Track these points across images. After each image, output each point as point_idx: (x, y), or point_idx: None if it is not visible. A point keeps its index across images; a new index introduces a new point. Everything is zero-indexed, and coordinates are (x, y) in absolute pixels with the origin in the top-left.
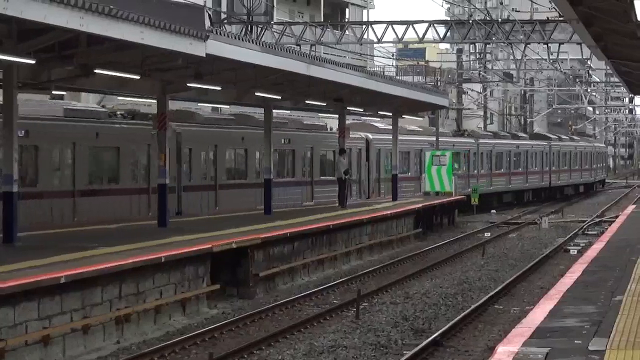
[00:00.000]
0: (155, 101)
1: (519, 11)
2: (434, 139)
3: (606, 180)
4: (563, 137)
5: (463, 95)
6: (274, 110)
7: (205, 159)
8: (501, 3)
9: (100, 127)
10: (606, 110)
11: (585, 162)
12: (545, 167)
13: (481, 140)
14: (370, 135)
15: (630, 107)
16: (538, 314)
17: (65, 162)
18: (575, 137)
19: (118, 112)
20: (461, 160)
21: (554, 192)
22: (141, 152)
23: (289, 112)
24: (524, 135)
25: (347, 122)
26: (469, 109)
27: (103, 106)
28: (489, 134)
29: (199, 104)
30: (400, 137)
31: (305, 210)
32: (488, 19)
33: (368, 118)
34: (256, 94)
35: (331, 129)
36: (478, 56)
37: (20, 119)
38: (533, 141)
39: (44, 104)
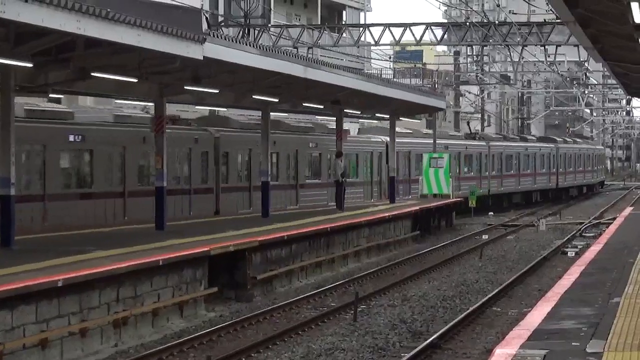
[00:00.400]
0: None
1: (516, 13)
2: (448, 141)
3: (604, 182)
4: (567, 139)
5: (460, 98)
6: (300, 115)
7: (240, 162)
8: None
9: (146, 132)
10: (603, 112)
11: (588, 164)
12: (552, 168)
13: (492, 143)
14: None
15: (628, 109)
16: (536, 316)
17: (117, 165)
18: (577, 140)
19: None
20: (473, 162)
21: (560, 193)
22: (183, 155)
23: (313, 116)
24: (532, 137)
25: (369, 126)
26: (468, 112)
27: (147, 112)
28: (500, 136)
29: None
30: (415, 140)
31: (303, 213)
32: (485, 21)
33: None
34: (254, 96)
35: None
36: (475, 58)
37: (76, 125)
38: (541, 143)
39: (98, 110)
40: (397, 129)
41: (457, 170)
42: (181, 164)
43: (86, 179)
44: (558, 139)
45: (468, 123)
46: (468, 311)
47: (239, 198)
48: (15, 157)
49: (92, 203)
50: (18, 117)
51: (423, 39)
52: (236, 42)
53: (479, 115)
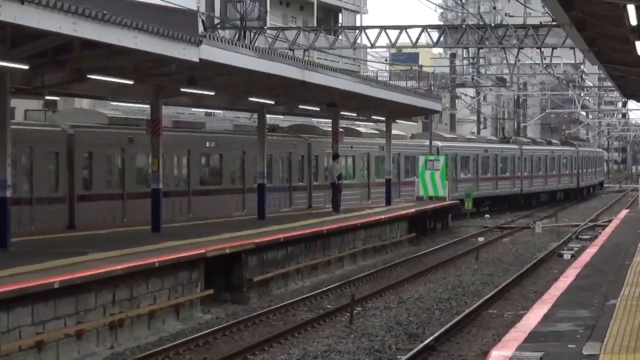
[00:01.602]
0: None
1: (512, 16)
2: (487, 145)
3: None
4: (582, 143)
5: (456, 100)
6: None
7: (325, 165)
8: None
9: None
10: (599, 115)
11: (599, 165)
12: (574, 169)
13: (524, 147)
14: (440, 143)
15: (624, 111)
16: (532, 319)
17: (239, 166)
18: (584, 143)
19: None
20: (508, 164)
21: (581, 191)
22: (285, 158)
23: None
24: (555, 141)
25: (417, 131)
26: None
27: (254, 120)
28: (529, 140)
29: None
30: (446, 144)
31: (299, 215)
32: (481, 23)
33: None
34: (250, 99)
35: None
36: (471, 61)
37: (212, 133)
38: (564, 147)
39: (220, 120)
40: (446, 135)
41: (496, 171)
42: (283, 166)
43: (217, 178)
44: (576, 143)
45: (503, 129)
46: (464, 313)
47: (326, 195)
48: (10, 159)
49: (221, 198)
50: (166, 127)
51: (419, 41)
52: (232, 44)
53: (475, 118)
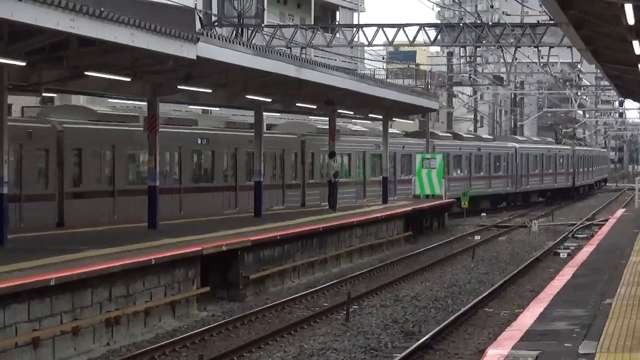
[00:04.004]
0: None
1: (509, 14)
2: (548, 146)
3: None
4: (579, 142)
5: (453, 99)
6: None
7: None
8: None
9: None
10: (596, 114)
11: (598, 164)
12: (604, 165)
13: (577, 148)
14: (517, 145)
15: (620, 110)
16: (528, 317)
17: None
18: (579, 142)
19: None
20: (565, 161)
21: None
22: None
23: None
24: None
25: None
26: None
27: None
28: (577, 142)
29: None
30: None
31: (295, 213)
32: (478, 22)
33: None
34: (247, 96)
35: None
36: (468, 59)
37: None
38: (598, 148)
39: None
40: (520, 137)
41: (553, 168)
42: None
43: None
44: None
45: (560, 131)
46: (460, 312)
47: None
48: (5, 155)
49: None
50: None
51: (416, 39)
52: (230, 42)
53: (472, 116)
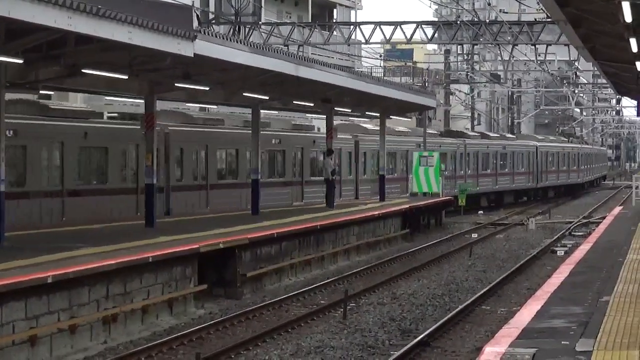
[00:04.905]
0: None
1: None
2: (545, 143)
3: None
4: (572, 139)
5: (450, 97)
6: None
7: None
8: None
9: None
10: (593, 112)
11: (595, 162)
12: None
13: (582, 146)
14: (538, 144)
15: (618, 108)
16: (525, 315)
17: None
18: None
19: None
20: (581, 159)
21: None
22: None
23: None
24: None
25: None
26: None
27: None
28: (586, 144)
29: None
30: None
31: (293, 211)
32: (476, 20)
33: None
34: (244, 94)
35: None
36: (466, 57)
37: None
38: (597, 147)
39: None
40: (551, 139)
41: (567, 165)
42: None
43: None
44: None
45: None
46: (457, 309)
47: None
48: (4, 153)
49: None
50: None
51: (414, 37)
52: (227, 39)
53: (469, 114)
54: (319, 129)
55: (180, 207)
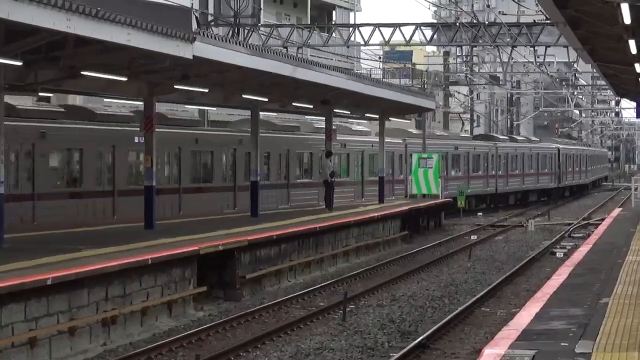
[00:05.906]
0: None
1: (505, 14)
2: (565, 145)
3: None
4: (568, 141)
5: (450, 98)
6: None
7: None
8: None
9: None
10: (592, 113)
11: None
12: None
13: (588, 149)
14: (560, 146)
15: (617, 110)
16: (524, 317)
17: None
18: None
19: None
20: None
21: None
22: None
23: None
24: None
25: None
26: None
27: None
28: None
29: None
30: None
31: (292, 213)
32: (475, 21)
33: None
34: (243, 96)
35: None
36: (465, 59)
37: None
38: (603, 149)
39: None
40: (563, 141)
41: (583, 167)
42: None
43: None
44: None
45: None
46: (457, 311)
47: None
48: (4, 155)
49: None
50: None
51: (413, 39)
52: (226, 41)
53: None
54: (376, 134)
55: (265, 204)
